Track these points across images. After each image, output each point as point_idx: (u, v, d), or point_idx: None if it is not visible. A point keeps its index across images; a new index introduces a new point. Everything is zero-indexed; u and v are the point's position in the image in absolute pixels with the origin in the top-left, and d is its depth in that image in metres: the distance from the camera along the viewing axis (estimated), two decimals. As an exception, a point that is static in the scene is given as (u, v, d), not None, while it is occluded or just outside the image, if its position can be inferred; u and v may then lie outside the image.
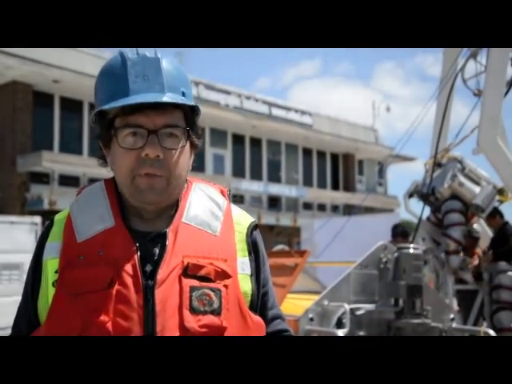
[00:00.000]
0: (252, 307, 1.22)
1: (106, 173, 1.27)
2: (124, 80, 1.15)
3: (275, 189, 22.95)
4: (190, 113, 1.22)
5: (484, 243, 6.77)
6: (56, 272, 1.16)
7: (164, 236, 1.17)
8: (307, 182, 25.62)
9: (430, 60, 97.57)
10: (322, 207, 25.26)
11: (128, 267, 1.13)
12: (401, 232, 6.66)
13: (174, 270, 1.13)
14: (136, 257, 1.14)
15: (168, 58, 1.20)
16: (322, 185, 26.31)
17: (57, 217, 1.26)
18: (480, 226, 6.92)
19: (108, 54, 19.84)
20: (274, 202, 23.13)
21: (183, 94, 1.19)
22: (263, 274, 1.27)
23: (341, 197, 24.91)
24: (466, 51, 6.99)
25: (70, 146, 18.00)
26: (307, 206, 24.60)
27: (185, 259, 1.14)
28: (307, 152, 25.98)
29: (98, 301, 1.10)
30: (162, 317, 1.10)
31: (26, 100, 17.17)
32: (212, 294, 1.13)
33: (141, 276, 1.12)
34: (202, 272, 1.14)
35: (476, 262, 6.51)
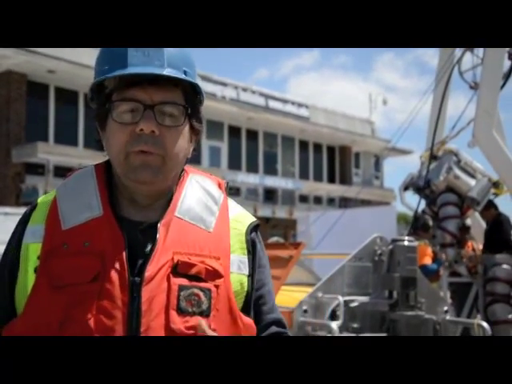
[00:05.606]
0: (245, 308, 1.17)
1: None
2: (123, 53, 1.10)
3: (271, 181, 22.93)
4: (191, 93, 1.16)
5: (479, 236, 6.78)
6: (38, 258, 1.09)
7: (155, 228, 1.11)
8: (303, 174, 25.61)
9: (430, 51, 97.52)
10: (318, 200, 25.27)
11: (115, 262, 1.07)
12: (422, 225, 6.49)
13: (163, 267, 1.07)
14: (124, 251, 1.08)
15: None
16: (318, 177, 26.31)
17: (40, 199, 1.19)
18: (475, 220, 6.92)
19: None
20: (270, 195, 23.12)
21: (185, 73, 1.12)
22: (258, 275, 1.20)
23: (337, 189, 24.91)
24: (462, 44, 6.97)
25: (66, 136, 17.93)
26: (303, 198, 24.60)
27: (175, 256, 1.09)
28: (304, 144, 25.96)
29: (81, 295, 1.04)
30: (147, 317, 1.05)
31: (21, 90, 17.07)
32: (201, 294, 1.08)
33: (128, 272, 1.06)
34: (193, 271, 1.09)
35: (471, 253, 6.51)
